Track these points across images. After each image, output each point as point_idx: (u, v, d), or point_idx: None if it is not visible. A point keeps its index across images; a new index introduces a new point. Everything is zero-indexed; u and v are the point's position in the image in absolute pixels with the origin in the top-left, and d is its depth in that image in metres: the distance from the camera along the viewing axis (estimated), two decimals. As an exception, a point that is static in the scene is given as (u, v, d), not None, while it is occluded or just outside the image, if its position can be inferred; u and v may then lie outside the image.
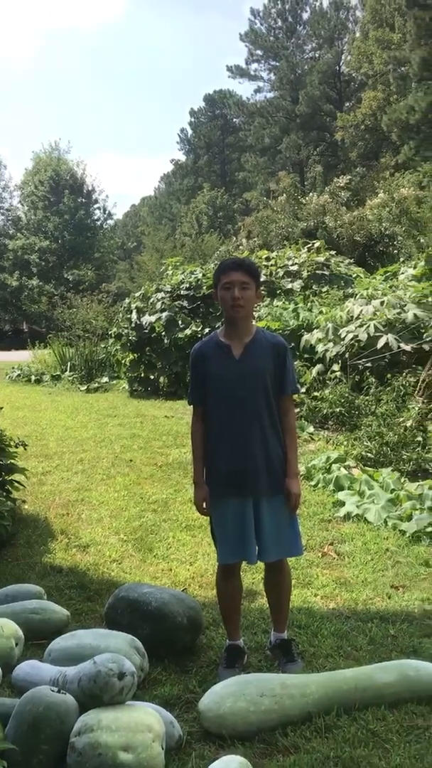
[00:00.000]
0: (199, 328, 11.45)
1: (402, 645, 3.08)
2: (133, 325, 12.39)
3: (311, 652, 3.05)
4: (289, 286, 12.22)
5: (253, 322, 3.03)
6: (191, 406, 3.03)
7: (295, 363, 7.85)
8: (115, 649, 2.66)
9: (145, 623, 3.02)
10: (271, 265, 13.10)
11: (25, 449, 5.64)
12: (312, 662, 2.97)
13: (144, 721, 2.24)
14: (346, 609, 3.50)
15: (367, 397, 7.04)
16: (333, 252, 13.91)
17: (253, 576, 3.81)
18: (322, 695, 2.56)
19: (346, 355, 7.77)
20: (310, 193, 23.66)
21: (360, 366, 7.54)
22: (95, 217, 47.70)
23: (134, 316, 12.44)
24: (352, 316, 8.16)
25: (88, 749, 2.14)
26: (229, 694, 2.51)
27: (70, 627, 3.24)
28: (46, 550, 4.51)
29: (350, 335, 7.78)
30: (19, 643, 2.98)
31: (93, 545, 4.57)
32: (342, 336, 7.94)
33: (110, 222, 51.01)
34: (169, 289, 12.54)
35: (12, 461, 5.02)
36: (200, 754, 2.38)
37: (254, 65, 51.88)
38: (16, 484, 5.05)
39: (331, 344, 8.11)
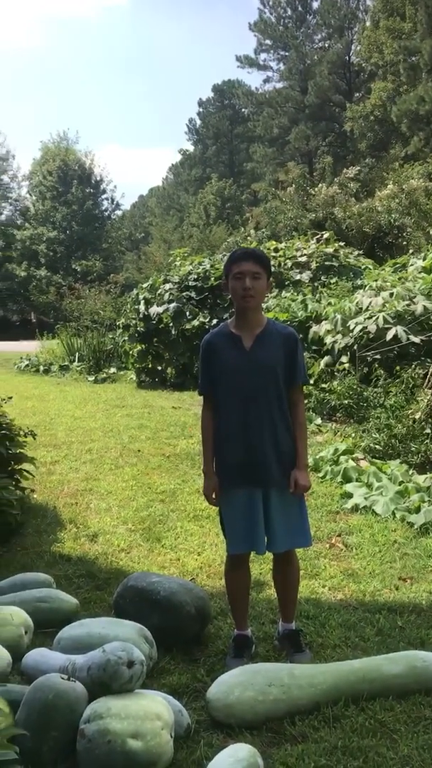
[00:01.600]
0: (207, 320, 11.45)
1: (410, 636, 3.09)
2: (140, 315, 12.38)
3: (319, 643, 3.06)
4: (298, 277, 12.19)
5: (263, 313, 3.02)
6: (201, 396, 3.03)
7: (304, 354, 7.84)
8: (124, 638, 2.67)
9: (153, 612, 3.03)
10: (280, 256, 13.06)
11: (34, 439, 5.65)
12: (320, 653, 2.97)
13: (153, 710, 2.25)
14: (354, 600, 3.51)
15: (375, 389, 7.02)
16: (342, 243, 13.86)
17: (261, 566, 3.82)
18: (330, 685, 2.57)
19: (355, 347, 7.75)
20: (319, 184, 23.51)
21: (368, 358, 7.51)
22: (103, 208, 47.74)
23: (142, 306, 12.43)
24: (360, 308, 8.13)
25: (98, 736, 2.16)
26: (237, 684, 2.52)
27: (79, 615, 3.24)
28: (54, 539, 4.53)
29: (359, 327, 7.75)
30: (28, 632, 3.00)
31: (101, 534, 4.58)
32: (351, 328, 7.92)
33: (118, 212, 51.06)
34: (177, 280, 12.52)
35: (21, 451, 5.04)
36: (209, 742, 2.39)
37: (263, 55, 51.36)
38: (25, 474, 5.07)
39: (339, 336, 8.09)
